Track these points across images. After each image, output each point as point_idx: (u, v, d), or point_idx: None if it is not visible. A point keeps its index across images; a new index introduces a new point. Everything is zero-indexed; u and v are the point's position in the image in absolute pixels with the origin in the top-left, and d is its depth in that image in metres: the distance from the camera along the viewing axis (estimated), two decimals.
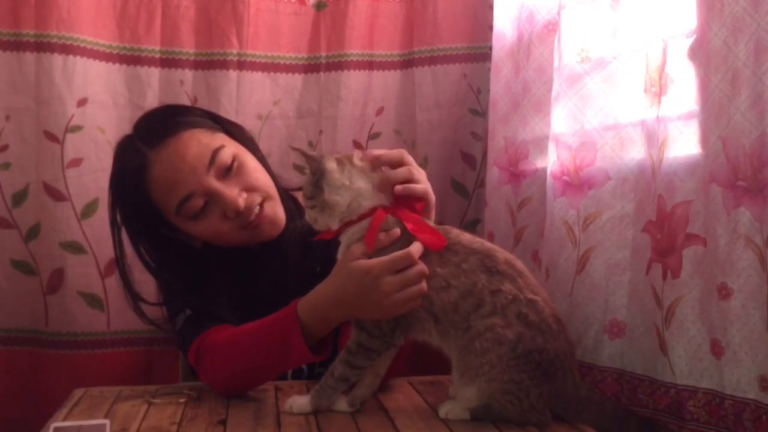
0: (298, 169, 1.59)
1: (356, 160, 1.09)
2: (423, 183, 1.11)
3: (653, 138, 1.18)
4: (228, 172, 1.27)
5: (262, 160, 1.37)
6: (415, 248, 1.06)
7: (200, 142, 1.27)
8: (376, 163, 1.10)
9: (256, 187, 1.29)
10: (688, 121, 1.12)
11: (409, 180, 1.10)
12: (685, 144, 1.12)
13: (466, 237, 1.11)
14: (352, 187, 1.07)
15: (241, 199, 1.26)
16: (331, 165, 1.08)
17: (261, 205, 1.29)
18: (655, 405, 1.18)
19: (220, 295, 1.32)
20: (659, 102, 1.17)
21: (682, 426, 1.11)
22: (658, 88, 1.17)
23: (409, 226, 1.07)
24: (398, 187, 1.08)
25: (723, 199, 1.02)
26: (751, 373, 1.00)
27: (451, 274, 1.05)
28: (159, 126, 1.30)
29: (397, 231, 1.07)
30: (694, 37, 1.08)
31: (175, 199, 1.26)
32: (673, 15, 1.17)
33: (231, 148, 1.29)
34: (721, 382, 1.05)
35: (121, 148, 1.33)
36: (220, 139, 1.30)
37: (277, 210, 1.32)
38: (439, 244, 1.07)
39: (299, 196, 1.43)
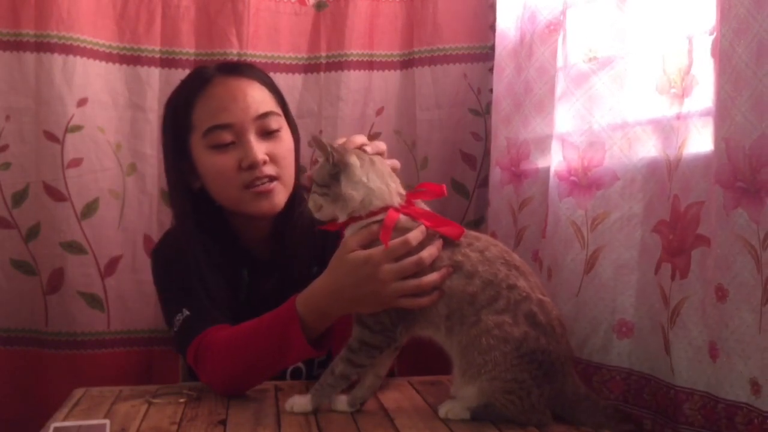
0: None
1: (377, 161, 1.10)
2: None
3: (671, 138, 1.18)
4: (267, 135, 1.32)
5: (297, 157, 1.40)
6: (413, 236, 1.06)
7: (264, 97, 1.35)
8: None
9: (280, 165, 1.33)
10: (708, 121, 1.11)
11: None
12: (703, 145, 1.12)
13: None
14: (368, 185, 1.08)
15: (261, 156, 1.29)
16: (354, 160, 1.08)
17: (272, 180, 1.31)
18: (657, 406, 1.18)
19: (216, 293, 1.31)
20: (681, 102, 1.16)
21: (676, 429, 1.11)
22: (679, 89, 1.17)
23: (425, 222, 1.08)
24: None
25: (724, 199, 1.02)
26: (743, 377, 1.00)
27: (478, 259, 1.06)
28: (240, 65, 1.44)
29: (423, 228, 1.07)
30: (714, 35, 1.08)
31: (213, 120, 1.30)
32: (691, 15, 1.16)
33: (282, 123, 1.35)
34: (716, 385, 1.05)
35: (196, 68, 1.45)
36: (280, 113, 1.36)
37: (281, 195, 1.33)
38: (458, 234, 1.08)
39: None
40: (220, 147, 1.30)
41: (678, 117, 1.16)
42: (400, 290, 1.06)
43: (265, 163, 1.30)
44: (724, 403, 1.03)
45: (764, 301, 0.96)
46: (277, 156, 1.32)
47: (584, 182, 1.33)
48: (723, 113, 1.02)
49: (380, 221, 1.07)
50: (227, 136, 1.29)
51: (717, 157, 1.03)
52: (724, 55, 1.01)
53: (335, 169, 1.08)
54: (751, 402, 0.99)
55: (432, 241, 1.07)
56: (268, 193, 1.31)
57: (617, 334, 1.27)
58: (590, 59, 1.34)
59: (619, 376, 1.27)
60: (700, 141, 1.12)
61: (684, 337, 1.11)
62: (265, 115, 1.32)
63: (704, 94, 1.12)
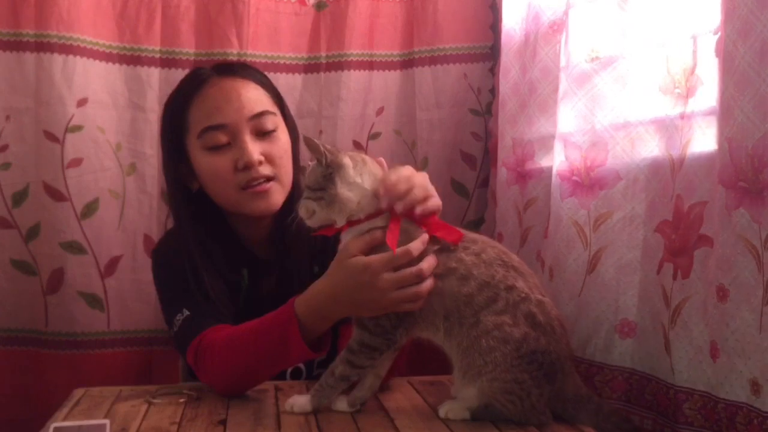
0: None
1: (369, 161, 1.10)
2: (434, 197, 1.11)
3: (674, 138, 1.18)
4: (262, 135, 1.32)
5: (296, 157, 1.39)
6: (415, 246, 1.06)
7: (260, 97, 1.34)
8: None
9: (276, 165, 1.32)
10: (712, 121, 1.11)
11: (424, 199, 1.09)
12: (707, 145, 1.12)
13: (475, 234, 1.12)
14: (363, 185, 1.08)
15: (257, 156, 1.29)
16: (347, 161, 1.08)
17: (268, 180, 1.31)
18: (658, 406, 1.18)
19: (216, 293, 1.31)
20: (685, 103, 1.16)
21: (676, 429, 1.11)
22: (684, 90, 1.17)
23: (424, 228, 1.08)
24: (418, 210, 1.07)
25: (726, 199, 1.02)
26: (743, 377, 1.00)
27: (473, 263, 1.06)
28: (235, 65, 1.42)
29: (426, 237, 1.07)
30: (719, 35, 1.08)
31: (207, 121, 1.30)
32: (695, 14, 1.16)
33: (278, 122, 1.35)
34: (716, 385, 1.05)
35: (192, 69, 1.46)
36: (276, 112, 1.35)
37: (278, 194, 1.33)
38: (457, 238, 1.08)
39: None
40: (216, 148, 1.30)
41: (682, 116, 1.16)
42: (398, 299, 1.06)
43: (260, 163, 1.30)
44: (724, 403, 1.03)
45: (765, 301, 0.97)
46: (273, 156, 1.32)
47: (587, 182, 1.33)
48: (726, 113, 1.02)
49: (381, 226, 1.07)
50: (222, 137, 1.30)
51: (720, 157, 1.03)
52: (728, 56, 1.01)
53: (329, 170, 1.07)
54: (751, 402, 0.99)
55: (429, 249, 1.07)
56: (264, 193, 1.31)
57: (619, 334, 1.27)
58: (593, 59, 1.34)
59: (621, 376, 1.27)
60: (704, 141, 1.12)
61: (685, 337, 1.11)
62: (260, 114, 1.31)
63: (709, 94, 1.11)
